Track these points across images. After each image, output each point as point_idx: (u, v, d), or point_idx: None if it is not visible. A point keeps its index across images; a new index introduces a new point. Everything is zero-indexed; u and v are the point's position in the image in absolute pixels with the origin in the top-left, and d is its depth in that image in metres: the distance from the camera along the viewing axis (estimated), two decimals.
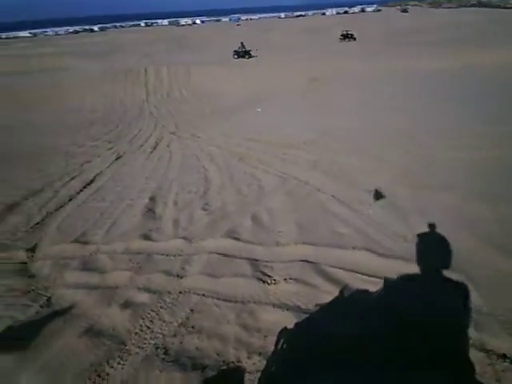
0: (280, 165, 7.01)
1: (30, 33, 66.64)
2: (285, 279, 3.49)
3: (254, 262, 3.93)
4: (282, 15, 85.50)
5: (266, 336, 2.91)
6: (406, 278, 3.38)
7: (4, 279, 4.26)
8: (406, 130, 8.45)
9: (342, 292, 3.22)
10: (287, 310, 3.12)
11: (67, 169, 8.91)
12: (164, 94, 19.04)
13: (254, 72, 20.40)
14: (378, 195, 5.29)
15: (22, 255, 4.84)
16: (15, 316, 3.57)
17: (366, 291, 3.20)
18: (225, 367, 2.63)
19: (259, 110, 13.54)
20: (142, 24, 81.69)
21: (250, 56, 26.80)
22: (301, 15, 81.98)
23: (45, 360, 2.93)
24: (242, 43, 28.03)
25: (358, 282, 3.36)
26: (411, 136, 7.97)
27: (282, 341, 2.79)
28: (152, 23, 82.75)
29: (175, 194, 6.33)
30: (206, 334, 2.97)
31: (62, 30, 69.84)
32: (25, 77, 23.24)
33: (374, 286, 3.31)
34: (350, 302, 3.09)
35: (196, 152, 8.97)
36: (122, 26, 79.50)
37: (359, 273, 3.49)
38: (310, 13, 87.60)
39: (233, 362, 2.68)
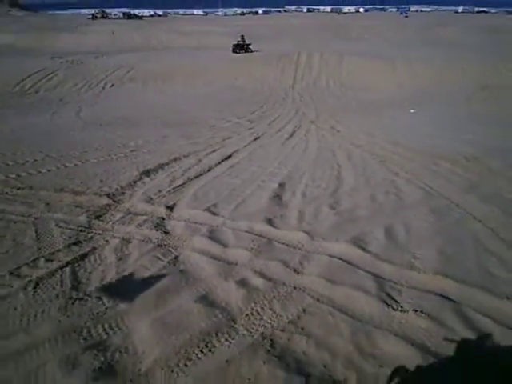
0: (428, 178, 6.29)
1: (204, 11, 74.94)
2: (415, 310, 3.10)
3: (379, 279, 3.61)
4: (460, 9, 76.08)
5: (381, 366, 2.63)
6: None
7: (144, 230, 4.90)
8: None
9: (482, 342, 2.68)
10: (411, 345, 2.76)
11: (211, 141, 9.76)
12: (311, 82, 19.14)
13: (414, 69, 18.82)
14: None
15: (162, 211, 5.49)
16: (145, 265, 4.07)
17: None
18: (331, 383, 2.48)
19: (413, 111, 12.45)
20: (304, 10, 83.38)
21: (248, 50, 25.33)
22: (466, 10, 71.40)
23: (162, 313, 3.24)
24: (241, 36, 26.75)
25: (507, 339, 2.75)
26: None
27: (397, 379, 2.48)
28: (314, 9, 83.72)
29: (305, 186, 6.30)
30: (314, 341, 2.86)
31: (230, 10, 76.32)
32: (190, 53, 26.24)
33: None
34: (490, 361, 2.55)
35: (333, 147, 8.76)
36: (285, 11, 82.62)
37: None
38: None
39: (340, 382, 2.51)
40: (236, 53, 24.91)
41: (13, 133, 10.73)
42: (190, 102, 15.94)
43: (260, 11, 76.45)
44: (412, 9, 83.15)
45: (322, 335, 2.92)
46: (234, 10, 77.78)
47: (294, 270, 3.83)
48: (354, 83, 17.98)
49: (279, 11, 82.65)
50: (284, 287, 3.56)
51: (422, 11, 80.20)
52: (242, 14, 72.84)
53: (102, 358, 2.77)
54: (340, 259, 3.98)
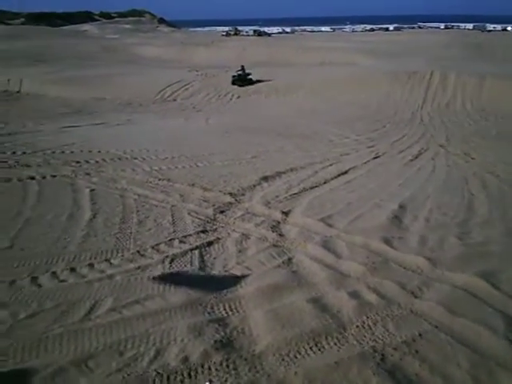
0: None
1: (331, 28, 76.17)
2: None
3: (509, 319, 3.32)
4: None
5: None
6: None
7: (261, 229, 5.32)
8: None
9: None
10: None
11: (328, 155, 9.94)
12: (443, 103, 17.93)
13: None
14: None
15: (278, 215, 5.88)
16: (262, 261, 4.45)
17: None
18: None
19: None
20: (442, 26, 78.38)
21: (250, 82, 21.86)
22: None
23: (275, 306, 3.53)
24: (242, 66, 22.75)
25: None
26: None
27: None
28: (453, 26, 78.06)
29: (428, 211, 6.02)
30: (429, 365, 2.81)
31: (358, 27, 75.99)
32: (314, 69, 26.97)
33: None
34: None
35: (466, 174, 8.12)
36: (419, 27, 78.95)
37: None
38: None
39: None
40: (239, 86, 22.11)
41: (154, 133, 12.55)
42: (310, 116, 16.41)
43: (391, 27, 74.29)
44: None
45: (437, 361, 2.84)
46: (362, 26, 77.10)
47: (412, 294, 3.76)
48: (497, 108, 16.25)
49: (412, 27, 79.07)
50: (399, 308, 3.53)
51: None
52: (372, 30, 71.78)
53: (223, 333, 3.16)
54: (465, 291, 3.77)
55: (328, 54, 35.80)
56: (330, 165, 9.04)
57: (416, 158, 9.74)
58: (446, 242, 4.90)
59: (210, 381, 1.09)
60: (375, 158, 9.84)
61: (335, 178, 8.00)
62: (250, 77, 22.53)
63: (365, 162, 9.26)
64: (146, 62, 35.15)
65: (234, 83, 22.13)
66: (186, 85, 23.77)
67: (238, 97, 21.76)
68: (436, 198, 6.58)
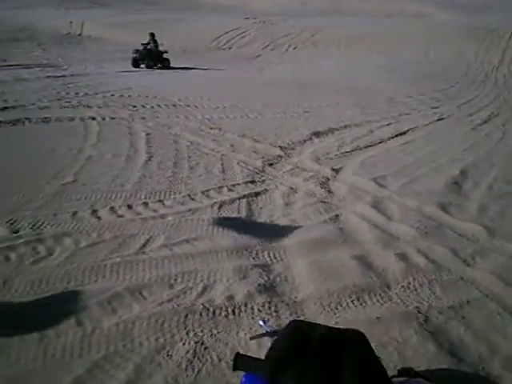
0: None
1: None
2: None
3: None
4: None
5: None
6: None
7: (310, 185, 5.28)
8: None
9: None
10: None
11: (386, 114, 9.48)
12: None
13: None
14: None
15: (327, 172, 5.78)
16: (308, 215, 4.45)
17: None
18: (485, 375, 2.40)
19: None
20: None
21: (165, 63, 14.82)
22: None
23: (319, 259, 3.57)
24: (151, 34, 15.23)
25: None
26: None
27: None
28: None
29: (493, 179, 5.65)
30: (474, 332, 2.75)
31: None
32: (379, 20, 25.03)
33: None
34: None
35: None
36: None
37: None
38: None
39: (493, 376, 2.40)
40: (147, 67, 14.95)
41: (208, 81, 12.54)
42: (370, 71, 15.52)
43: None
44: None
45: (483, 329, 2.77)
46: None
47: (464, 261, 3.62)
48: None
49: None
50: (449, 274, 3.43)
51: None
52: None
53: (266, 278, 3.27)
54: None
55: (397, 3, 32.97)
56: (388, 124, 8.65)
57: (485, 122, 9.06)
58: (508, 212, 4.62)
59: (264, 320, 1.10)
60: (438, 120, 9.27)
61: (392, 138, 7.67)
62: (165, 56, 15.34)
63: (426, 124, 8.76)
64: (203, 7, 34.46)
65: (136, 63, 14.96)
66: (242, 33, 23.19)
67: (295, 48, 20.98)
68: (502, 167, 6.13)
